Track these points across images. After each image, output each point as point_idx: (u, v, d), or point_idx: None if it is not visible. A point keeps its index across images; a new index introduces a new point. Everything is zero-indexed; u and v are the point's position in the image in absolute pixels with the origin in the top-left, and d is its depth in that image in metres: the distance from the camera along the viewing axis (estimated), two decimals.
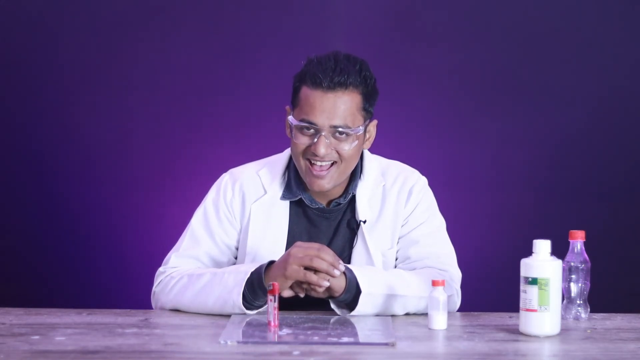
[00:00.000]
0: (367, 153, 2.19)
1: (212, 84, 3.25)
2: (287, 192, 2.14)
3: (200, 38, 3.25)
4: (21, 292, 3.23)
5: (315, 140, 2.01)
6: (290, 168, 2.16)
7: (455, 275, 2.12)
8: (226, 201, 2.17)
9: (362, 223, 2.12)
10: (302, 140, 2.03)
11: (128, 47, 3.24)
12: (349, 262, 2.08)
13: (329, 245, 2.09)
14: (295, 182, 2.14)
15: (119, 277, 3.26)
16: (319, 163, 2.03)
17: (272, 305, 1.80)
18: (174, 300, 2.04)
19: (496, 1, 3.25)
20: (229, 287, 1.95)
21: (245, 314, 1.94)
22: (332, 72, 1.98)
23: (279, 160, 2.20)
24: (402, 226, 2.15)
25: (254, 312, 1.95)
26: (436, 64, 3.25)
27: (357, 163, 2.14)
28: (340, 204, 2.14)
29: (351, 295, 1.94)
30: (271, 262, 1.97)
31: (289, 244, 2.09)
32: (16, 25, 3.23)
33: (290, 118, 2.05)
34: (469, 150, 3.27)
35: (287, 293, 1.93)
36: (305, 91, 2.02)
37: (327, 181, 2.05)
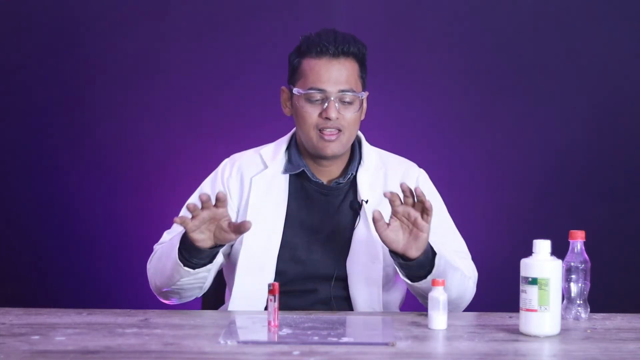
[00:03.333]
0: (365, 143, 2.23)
1: (212, 83, 3.25)
2: (289, 165, 2.18)
3: (200, 38, 3.24)
4: (21, 292, 3.23)
5: (326, 105, 2.08)
6: (291, 146, 2.21)
7: (472, 264, 2.20)
8: (223, 179, 2.21)
9: (364, 203, 2.14)
10: (311, 110, 2.10)
11: (127, 46, 3.24)
12: (349, 243, 2.13)
13: (330, 224, 2.14)
14: (296, 157, 2.18)
15: (119, 277, 3.25)
16: (328, 130, 2.09)
17: (272, 305, 1.80)
18: (154, 275, 2.10)
19: (496, 1, 3.25)
20: (173, 245, 1.98)
21: (189, 272, 1.97)
22: (335, 41, 2.09)
23: (281, 140, 2.25)
24: None
25: (198, 270, 1.97)
26: (436, 64, 3.25)
27: (356, 149, 2.20)
28: (340, 183, 2.16)
29: (427, 261, 1.96)
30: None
31: (288, 218, 2.13)
32: (16, 25, 3.23)
33: (296, 90, 2.11)
34: (468, 149, 3.27)
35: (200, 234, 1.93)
36: (310, 62, 2.10)
37: (337, 144, 2.11)
